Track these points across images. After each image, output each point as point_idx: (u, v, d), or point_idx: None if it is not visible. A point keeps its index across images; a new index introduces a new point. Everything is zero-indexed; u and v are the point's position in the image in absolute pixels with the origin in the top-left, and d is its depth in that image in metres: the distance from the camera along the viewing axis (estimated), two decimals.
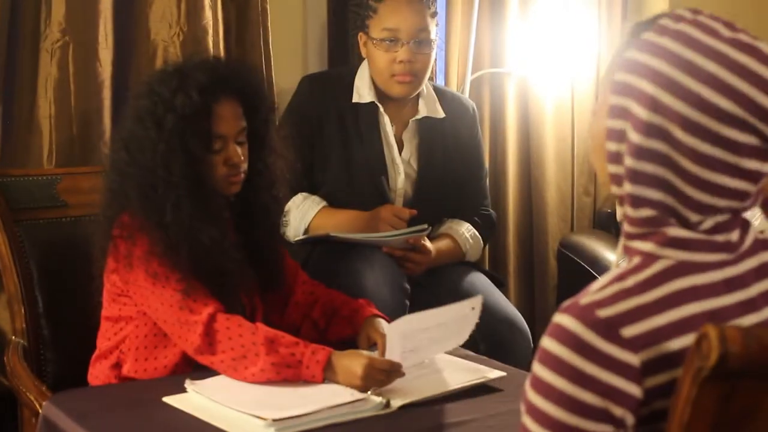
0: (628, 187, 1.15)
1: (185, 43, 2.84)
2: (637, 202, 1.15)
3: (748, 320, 1.16)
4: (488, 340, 2.55)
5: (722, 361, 1.00)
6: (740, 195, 1.14)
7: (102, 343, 2.16)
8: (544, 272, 3.61)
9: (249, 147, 2.14)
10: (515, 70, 3.50)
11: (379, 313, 2.21)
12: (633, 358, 1.08)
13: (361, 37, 2.75)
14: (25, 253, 2.37)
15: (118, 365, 2.11)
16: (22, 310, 2.33)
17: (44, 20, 2.68)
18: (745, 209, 1.19)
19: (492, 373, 2.03)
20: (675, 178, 1.13)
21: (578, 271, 3.39)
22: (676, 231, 1.15)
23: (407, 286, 2.61)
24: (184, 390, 1.91)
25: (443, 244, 2.77)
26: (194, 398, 1.88)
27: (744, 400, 1.07)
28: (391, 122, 2.76)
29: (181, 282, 2.00)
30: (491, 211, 2.95)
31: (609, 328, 1.08)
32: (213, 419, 1.79)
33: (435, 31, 2.73)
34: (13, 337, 2.33)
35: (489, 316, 2.61)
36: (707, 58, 1.11)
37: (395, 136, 2.77)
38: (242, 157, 2.10)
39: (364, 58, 2.80)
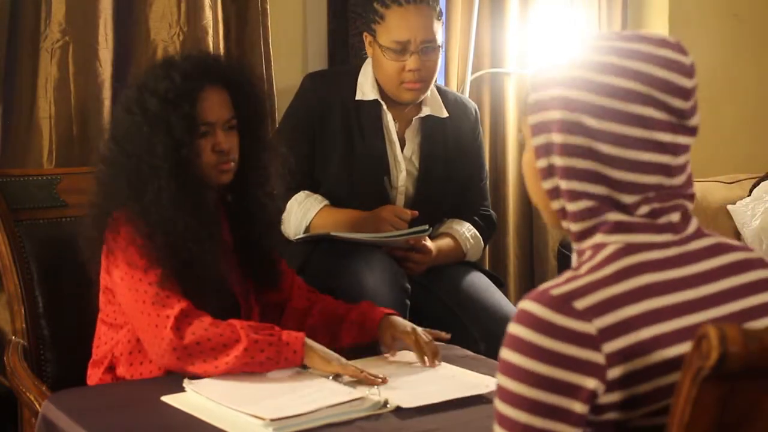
0: (563, 184, 1.22)
1: (185, 43, 2.84)
2: (573, 195, 1.21)
3: (705, 290, 1.20)
4: (488, 339, 2.55)
5: (722, 362, 1.01)
6: (664, 169, 1.20)
7: (97, 348, 2.15)
8: (544, 272, 3.60)
9: (241, 140, 2.14)
10: (515, 70, 3.49)
11: (390, 311, 2.21)
12: (588, 327, 1.12)
13: (366, 37, 2.74)
14: (25, 253, 2.37)
15: (111, 369, 2.10)
16: (22, 310, 2.32)
17: (44, 20, 2.68)
18: (678, 190, 1.22)
19: (494, 383, 2.02)
20: (600, 166, 1.19)
21: None
22: (616, 216, 1.20)
23: (408, 285, 2.61)
24: (182, 389, 1.91)
25: (444, 243, 2.77)
26: (192, 397, 1.88)
27: (744, 400, 1.07)
28: (393, 120, 2.76)
29: (157, 276, 1.99)
30: (491, 211, 2.95)
31: (562, 303, 1.13)
32: (211, 419, 1.78)
33: (441, 34, 2.72)
34: (13, 337, 2.32)
35: (489, 316, 2.62)
36: (603, 53, 1.22)
37: (398, 133, 2.77)
38: (231, 146, 2.10)
39: (364, 57, 2.79)
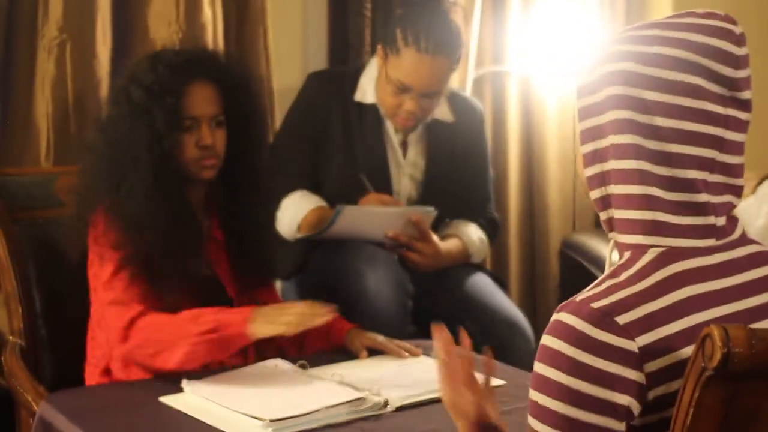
0: (612, 164, 1.17)
1: (184, 41, 2.83)
2: (622, 176, 1.16)
3: (747, 304, 1.16)
4: (490, 340, 2.53)
5: (726, 362, 0.99)
6: (716, 141, 1.16)
7: (91, 349, 2.15)
8: (546, 272, 3.59)
9: (230, 137, 2.13)
10: (517, 69, 3.48)
11: (355, 324, 2.24)
12: (630, 344, 1.08)
13: (379, 50, 2.65)
14: (23, 253, 2.35)
15: (107, 371, 2.09)
16: (20, 310, 2.31)
17: (42, 18, 2.67)
18: (730, 173, 1.18)
19: (492, 381, 2.01)
20: (647, 141, 1.14)
21: (581, 271, 3.37)
22: (658, 215, 1.15)
23: (410, 286, 2.60)
24: (180, 390, 1.90)
25: (452, 244, 2.73)
26: (191, 398, 1.87)
27: (748, 401, 1.06)
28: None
29: (126, 275, 2.00)
30: (495, 213, 2.93)
31: (604, 317, 1.09)
32: (210, 419, 1.78)
33: (451, 77, 2.66)
34: (11, 338, 2.31)
35: (491, 316, 2.61)
36: (652, 28, 1.19)
37: (401, 138, 2.74)
38: (216, 142, 2.09)
39: (363, 58, 2.77)
